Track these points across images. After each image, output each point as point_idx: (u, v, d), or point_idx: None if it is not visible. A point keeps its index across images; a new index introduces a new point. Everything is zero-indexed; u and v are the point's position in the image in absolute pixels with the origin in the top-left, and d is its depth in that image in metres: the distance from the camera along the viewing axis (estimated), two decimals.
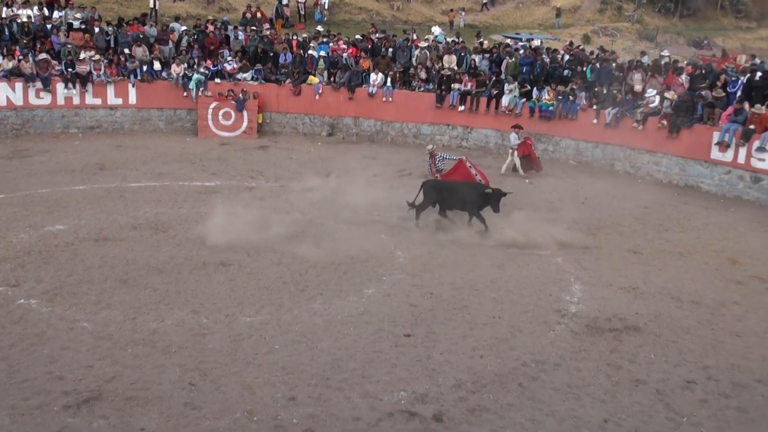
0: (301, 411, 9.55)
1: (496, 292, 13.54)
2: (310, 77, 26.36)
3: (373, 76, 25.95)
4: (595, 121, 23.35)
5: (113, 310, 12.19)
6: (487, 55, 26.28)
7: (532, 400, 10.03)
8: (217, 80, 25.96)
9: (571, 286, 13.94)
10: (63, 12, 27.30)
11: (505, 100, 24.59)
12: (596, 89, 23.70)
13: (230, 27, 28.40)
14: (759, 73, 21.13)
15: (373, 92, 25.81)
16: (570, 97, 23.84)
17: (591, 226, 17.39)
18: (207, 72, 25.88)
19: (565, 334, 11.97)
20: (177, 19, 29.98)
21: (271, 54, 26.86)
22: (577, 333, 12.03)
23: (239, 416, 9.41)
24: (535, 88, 24.56)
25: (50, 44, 25.50)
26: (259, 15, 31.61)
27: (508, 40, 31.02)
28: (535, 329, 12.12)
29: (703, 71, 23.18)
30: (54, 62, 24.94)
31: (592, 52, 26.94)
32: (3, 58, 24.23)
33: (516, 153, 22.19)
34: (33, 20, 26.10)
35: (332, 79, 26.37)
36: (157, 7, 31.85)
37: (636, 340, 11.85)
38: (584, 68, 24.76)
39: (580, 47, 28.37)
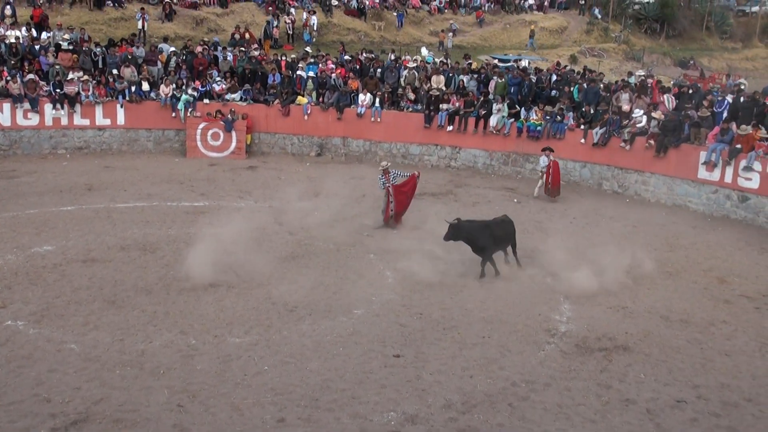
0: None
1: (486, 312, 13.53)
2: (299, 98, 26.41)
3: (361, 96, 26.01)
4: (582, 140, 23.47)
5: (101, 331, 12.12)
6: (475, 76, 26.39)
7: (522, 420, 10.01)
8: (206, 101, 25.96)
9: (560, 305, 13.95)
10: (51, 33, 27.29)
11: (493, 120, 24.68)
12: (584, 109, 23.84)
13: (219, 48, 28.45)
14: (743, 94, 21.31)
15: (362, 113, 25.87)
16: (558, 116, 23.96)
17: (579, 246, 17.40)
18: (195, 93, 25.88)
19: (554, 354, 11.98)
20: (165, 40, 30.01)
21: (260, 74, 26.91)
22: (567, 353, 12.04)
23: None
24: (523, 108, 24.67)
25: (38, 65, 25.46)
26: (247, 36, 31.67)
27: (496, 61, 31.18)
28: (524, 349, 12.12)
29: (690, 91, 23.36)
30: (42, 83, 24.90)
31: (578, 73, 27.10)
32: None
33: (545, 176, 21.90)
34: (21, 41, 26.09)
35: (321, 99, 26.41)
36: (145, 28, 31.86)
37: (625, 360, 11.87)
38: (571, 88, 24.91)
39: (567, 67, 28.56)
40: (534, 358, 11.80)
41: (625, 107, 23.22)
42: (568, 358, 11.85)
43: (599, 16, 43.10)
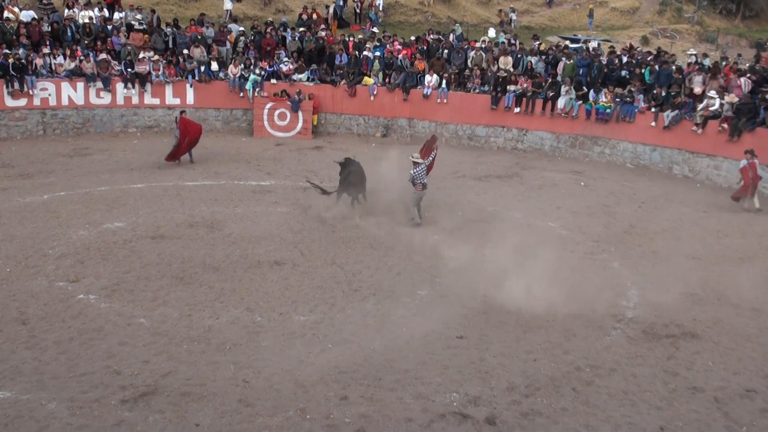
0: (353, 410, 9.57)
1: (550, 296, 13.38)
2: (365, 78, 26.42)
3: (428, 77, 25.90)
4: (653, 123, 23.01)
5: (169, 306, 12.37)
6: (543, 57, 26.04)
7: (586, 405, 9.91)
8: (273, 81, 26.17)
9: (627, 290, 13.74)
10: (123, 13, 27.78)
11: (561, 102, 24.36)
12: (655, 91, 23.35)
13: (288, 28, 28.58)
14: None
15: (428, 94, 25.77)
16: (628, 99, 23.51)
17: (648, 231, 17.13)
18: (263, 73, 26.10)
19: (620, 340, 11.81)
20: (235, 20, 30.31)
21: (327, 55, 26.99)
22: (633, 338, 11.86)
23: (292, 414, 9.46)
24: (591, 90, 24.27)
25: (111, 45, 25.95)
26: (315, 16, 31.77)
27: (566, 42, 30.69)
28: (589, 334, 11.97)
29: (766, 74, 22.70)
30: (114, 62, 25.40)
31: (650, 53, 26.51)
32: (65, 59, 24.74)
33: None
34: (94, 21, 26.61)
35: (387, 80, 26.38)
36: (231, 8, 32.40)
37: (693, 347, 11.64)
38: (642, 70, 24.40)
39: (638, 49, 27.96)
40: (599, 343, 11.66)
41: (698, 90, 22.67)
42: (635, 344, 11.67)
43: None
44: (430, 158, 17.08)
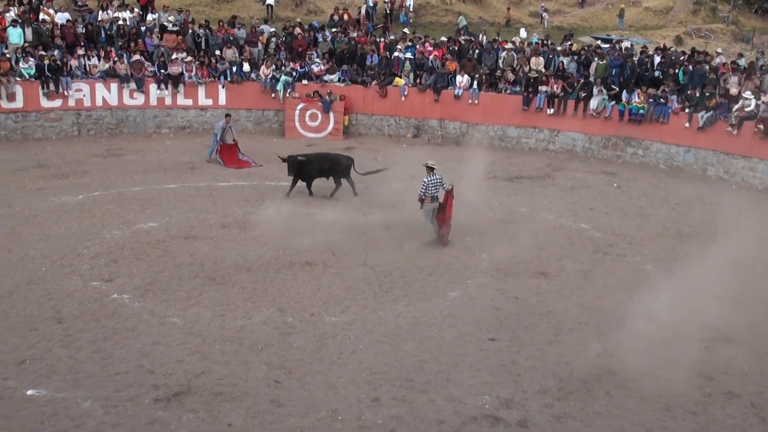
0: (385, 412, 9.58)
1: (583, 297, 13.33)
2: (396, 79, 26.41)
3: (459, 78, 25.84)
4: (687, 124, 22.77)
5: (202, 306, 12.45)
6: (575, 57, 25.88)
7: (620, 409, 9.83)
8: (305, 82, 26.25)
9: (660, 293, 13.59)
10: (156, 15, 28.01)
11: (593, 103, 24.19)
12: (689, 92, 23.11)
13: (319, 30, 28.65)
14: None
15: (459, 94, 25.71)
16: (661, 99, 23.29)
17: (682, 233, 16.96)
18: (294, 74, 26.20)
19: (654, 343, 11.69)
20: (266, 21, 30.46)
21: (358, 56, 27.02)
22: (667, 342, 11.72)
23: (323, 415, 9.49)
24: (624, 91, 24.07)
25: (144, 46, 26.18)
26: (346, 17, 31.84)
27: (598, 42, 30.47)
28: (623, 337, 11.86)
29: None
30: (147, 64, 25.62)
31: (684, 53, 26.23)
32: (99, 60, 25.00)
33: None
34: (128, 23, 26.86)
35: (418, 81, 26.36)
36: (273, 5, 32.87)
37: (729, 351, 11.50)
38: (676, 70, 24.17)
39: (672, 49, 27.70)
40: (633, 347, 11.54)
41: (734, 90, 22.40)
42: (669, 348, 11.54)
43: None
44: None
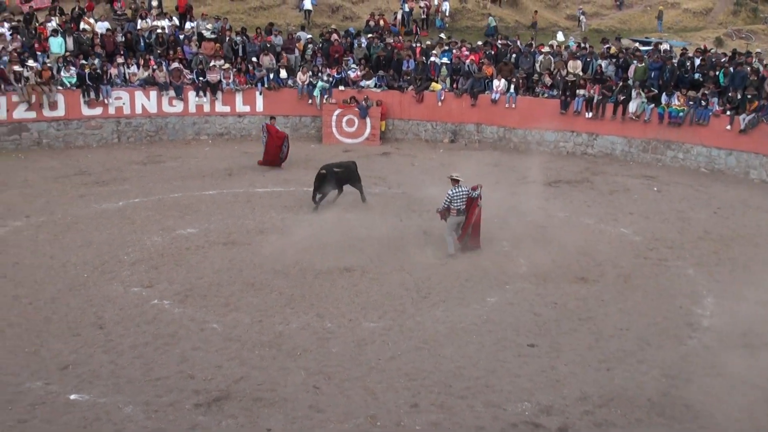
0: (423, 418, 9.55)
1: (623, 303, 13.19)
2: (433, 84, 26.38)
3: (496, 82, 25.74)
4: (728, 127, 22.44)
5: (241, 312, 12.52)
6: (613, 60, 25.64)
7: (662, 416, 9.71)
8: (341, 88, 26.33)
9: (703, 298, 13.43)
10: (195, 23, 28.30)
11: (632, 106, 23.94)
12: (730, 94, 22.78)
13: (356, 37, 28.72)
14: None
15: (496, 99, 25.61)
16: (702, 102, 22.99)
17: (724, 237, 16.72)
18: (331, 80, 26.30)
19: (697, 349, 11.55)
20: (303, 28, 30.61)
21: (395, 61, 27.04)
22: (710, 348, 11.58)
23: (362, 421, 9.49)
24: (664, 94, 23.79)
25: (182, 54, 26.46)
26: (382, 23, 31.87)
27: (636, 44, 30.15)
28: (664, 343, 11.74)
29: None
30: (186, 71, 25.87)
31: (725, 55, 25.87)
32: (139, 68, 25.30)
33: None
34: (166, 31, 27.16)
35: (455, 85, 26.31)
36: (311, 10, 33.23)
37: None
38: (717, 72, 23.84)
39: (712, 50, 27.34)
40: (675, 353, 11.41)
41: None
42: (712, 354, 11.39)
43: None
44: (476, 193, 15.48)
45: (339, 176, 18.26)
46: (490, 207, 17.71)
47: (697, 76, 24.19)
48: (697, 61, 24.83)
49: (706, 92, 23.11)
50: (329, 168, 18.16)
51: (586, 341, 11.75)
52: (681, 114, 23.20)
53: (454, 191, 15.08)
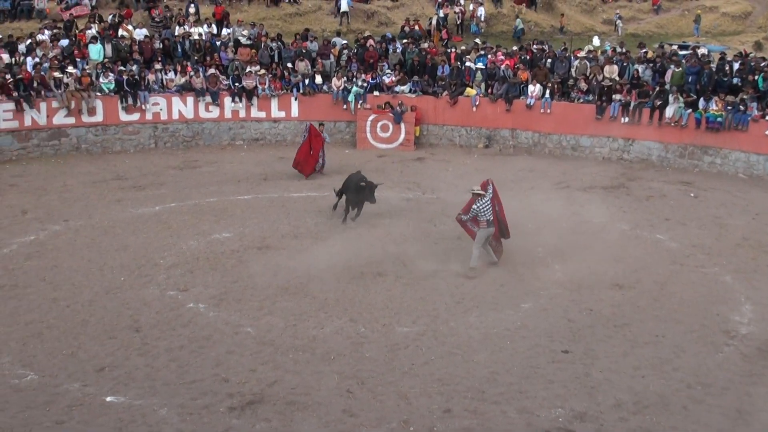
0: (456, 423, 9.54)
1: (659, 310, 13.07)
2: (468, 89, 26.33)
3: (531, 87, 25.64)
4: (767, 132, 22.13)
5: (275, 316, 12.60)
6: (650, 65, 25.42)
7: (697, 424, 9.61)
8: (376, 93, 26.38)
9: (741, 306, 13.26)
10: (231, 29, 28.54)
11: (669, 111, 23.70)
12: None
13: (391, 42, 28.76)
14: None
15: (531, 104, 25.50)
16: (740, 107, 22.70)
17: (763, 244, 16.49)
18: (366, 85, 26.37)
19: (734, 357, 11.41)
20: (338, 33, 30.74)
21: (429, 66, 27.05)
22: (748, 356, 11.43)
23: (395, 426, 9.50)
24: (702, 99, 23.53)
25: (219, 60, 26.70)
26: (417, 28, 31.88)
27: (674, 47, 29.85)
28: (701, 350, 11.61)
29: None
30: (222, 77, 26.10)
31: (764, 59, 25.50)
32: (176, 74, 25.58)
33: None
34: (203, 37, 27.43)
35: (490, 90, 26.24)
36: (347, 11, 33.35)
37: None
38: (756, 77, 23.53)
39: (752, 54, 26.99)
40: (711, 360, 11.29)
41: None
42: (749, 362, 11.25)
43: None
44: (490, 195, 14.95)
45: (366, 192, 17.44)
46: (524, 213, 17.70)
47: (735, 80, 23.89)
48: (736, 66, 24.54)
49: (745, 97, 22.81)
50: (367, 182, 17.43)
51: (621, 348, 11.66)
52: (719, 119, 22.91)
53: (479, 205, 14.67)
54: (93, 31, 26.17)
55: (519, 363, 11.14)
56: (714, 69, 24.33)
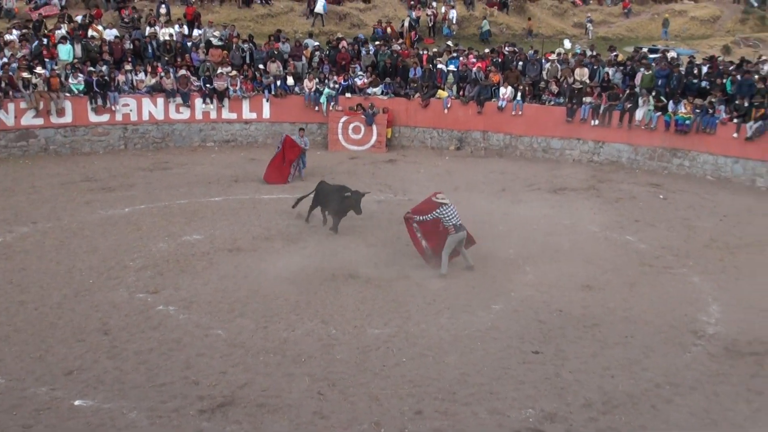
0: (428, 425, 9.55)
1: (628, 311, 13.17)
2: (439, 91, 26.41)
3: (502, 89, 25.75)
4: (735, 135, 22.39)
5: (246, 318, 12.54)
6: (621, 68, 25.64)
7: (666, 423, 9.69)
8: (348, 95, 26.38)
9: (708, 306, 13.40)
10: (202, 30, 28.40)
11: (639, 114, 23.91)
12: (737, 102, 22.75)
13: (368, 44, 28.76)
14: None
15: (503, 106, 25.61)
16: (709, 110, 22.95)
17: (730, 245, 16.68)
18: (338, 87, 26.35)
19: (701, 357, 11.52)
20: (310, 35, 30.70)
21: (401, 68, 27.09)
22: (715, 356, 11.55)
23: (366, 427, 9.49)
24: (671, 101, 23.76)
25: (190, 61, 26.57)
26: (389, 30, 31.92)
27: (645, 50, 30.11)
28: (669, 350, 11.72)
29: None
30: (193, 78, 25.97)
31: (732, 63, 25.82)
32: (146, 75, 25.40)
33: None
34: (174, 38, 27.26)
35: (461, 93, 26.33)
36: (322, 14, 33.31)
37: None
38: (724, 80, 23.81)
39: (720, 58, 27.30)
40: (679, 360, 11.39)
41: None
42: (717, 362, 11.36)
43: (756, 4, 40.84)
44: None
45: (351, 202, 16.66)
46: (495, 215, 17.79)
47: (704, 83, 24.16)
48: (705, 69, 24.82)
49: (713, 100, 23.08)
50: (352, 192, 16.71)
51: (591, 349, 11.74)
52: (688, 122, 23.15)
53: (442, 211, 14.51)
54: (62, 31, 25.90)
55: (490, 364, 11.17)
56: (683, 72, 24.59)
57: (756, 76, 23.35)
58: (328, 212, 17.31)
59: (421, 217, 14.83)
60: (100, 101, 24.39)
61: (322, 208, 17.44)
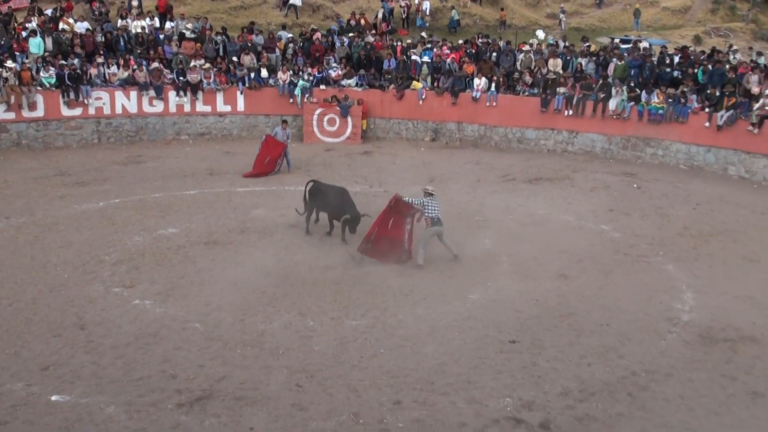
0: (406, 415, 9.58)
1: (604, 299, 13.27)
2: (414, 83, 26.43)
3: (476, 80, 25.81)
4: (707, 124, 22.61)
5: (223, 311, 12.50)
6: (593, 58, 25.79)
7: (642, 410, 9.78)
8: (322, 87, 26.34)
9: (682, 294, 13.54)
10: (175, 22, 28.20)
11: (612, 104, 24.08)
12: (708, 91, 22.96)
13: (342, 36, 28.71)
14: None
15: (477, 97, 25.69)
16: (681, 99, 23.15)
17: (703, 233, 16.86)
18: (312, 79, 26.28)
19: (676, 344, 11.64)
20: (284, 27, 30.57)
21: (375, 60, 27.07)
22: (690, 342, 11.68)
23: (345, 419, 9.50)
24: (643, 91, 23.94)
25: (163, 54, 26.39)
26: (363, 22, 31.87)
27: (617, 41, 30.31)
28: (645, 338, 11.82)
29: None
30: (166, 71, 25.79)
31: (703, 53, 26.06)
32: (118, 68, 25.20)
33: None
34: (146, 31, 27.05)
35: (436, 84, 26.36)
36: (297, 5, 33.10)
37: (753, 351, 11.42)
38: (696, 70, 24.03)
39: (691, 48, 27.54)
40: (655, 348, 11.50)
41: (755, 89, 22.23)
42: (691, 348, 11.49)
43: None
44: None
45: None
46: (471, 205, 17.85)
47: (676, 73, 24.37)
48: (677, 59, 25.02)
49: (685, 89, 23.28)
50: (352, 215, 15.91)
51: (567, 337, 11.82)
52: (660, 111, 23.35)
53: (426, 200, 14.69)
54: (32, 24, 25.62)
55: (467, 354, 11.21)
56: (655, 62, 24.78)
57: (727, 66, 23.61)
58: (331, 217, 16.42)
59: (408, 199, 14.88)
60: (72, 95, 24.19)
61: (320, 211, 16.81)
